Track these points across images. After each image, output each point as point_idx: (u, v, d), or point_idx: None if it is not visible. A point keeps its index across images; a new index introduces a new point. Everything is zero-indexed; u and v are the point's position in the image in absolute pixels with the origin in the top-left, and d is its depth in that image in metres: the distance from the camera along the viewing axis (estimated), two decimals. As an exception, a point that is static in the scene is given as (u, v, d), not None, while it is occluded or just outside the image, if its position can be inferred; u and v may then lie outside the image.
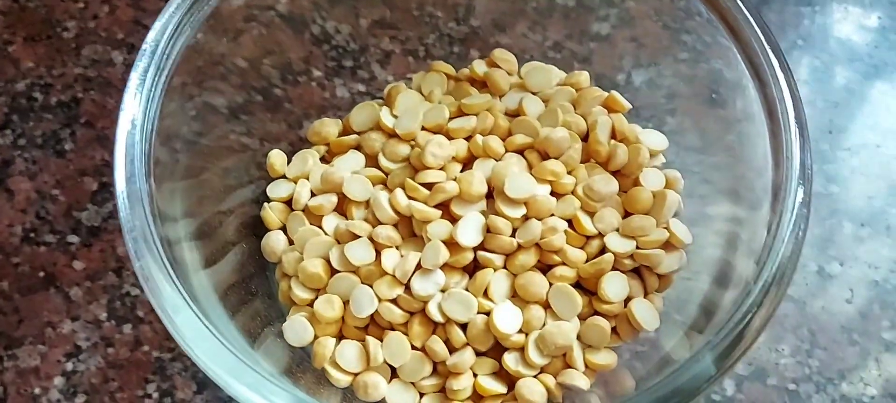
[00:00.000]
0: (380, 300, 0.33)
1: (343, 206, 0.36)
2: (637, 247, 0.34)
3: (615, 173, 0.36)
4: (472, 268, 0.34)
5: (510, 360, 0.33)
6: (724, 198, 0.37)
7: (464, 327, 0.33)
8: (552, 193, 0.35)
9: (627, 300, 0.34)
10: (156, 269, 0.29)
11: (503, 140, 0.36)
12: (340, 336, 0.34)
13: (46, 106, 0.42)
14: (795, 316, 0.40)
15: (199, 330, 0.29)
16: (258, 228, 0.37)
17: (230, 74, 0.38)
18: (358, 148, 0.38)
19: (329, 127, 0.38)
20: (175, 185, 0.33)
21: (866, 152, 0.44)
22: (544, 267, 0.34)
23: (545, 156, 0.36)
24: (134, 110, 0.32)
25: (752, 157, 0.34)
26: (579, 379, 0.33)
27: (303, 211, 0.36)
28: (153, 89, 0.32)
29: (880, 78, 0.46)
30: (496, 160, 0.36)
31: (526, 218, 0.34)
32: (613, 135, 0.36)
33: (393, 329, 0.34)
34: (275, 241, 0.36)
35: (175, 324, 0.29)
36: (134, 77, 0.32)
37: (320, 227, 0.36)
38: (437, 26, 0.42)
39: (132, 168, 0.31)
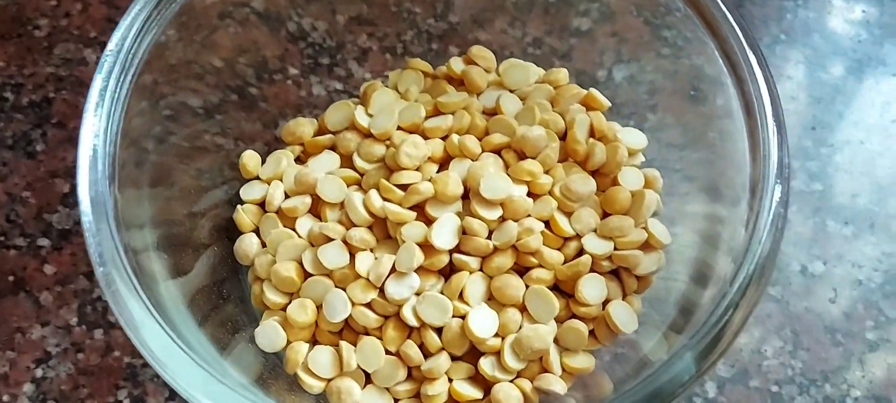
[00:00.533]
0: (353, 304, 0.33)
1: (317, 208, 0.35)
2: (615, 249, 0.34)
3: (593, 172, 0.35)
4: (448, 271, 0.34)
5: (486, 365, 0.32)
6: (704, 196, 0.36)
7: (439, 331, 0.33)
8: (529, 194, 0.34)
9: (605, 302, 0.34)
10: (120, 281, 0.29)
11: (480, 139, 0.36)
12: (314, 342, 0.34)
13: (17, 106, 0.42)
14: (778, 317, 0.39)
15: (164, 343, 0.28)
16: (231, 231, 0.36)
17: (204, 73, 0.37)
18: (333, 148, 0.37)
19: (304, 127, 0.38)
20: (143, 190, 0.33)
21: (850, 149, 0.43)
22: (521, 270, 0.34)
23: (522, 156, 0.35)
24: (98, 113, 0.31)
25: (732, 154, 0.34)
26: (556, 384, 0.32)
27: (276, 213, 0.36)
28: (118, 90, 0.32)
29: (864, 73, 0.45)
30: (472, 160, 0.35)
31: (502, 219, 0.34)
32: (592, 134, 0.36)
33: (367, 333, 0.33)
34: (247, 244, 0.35)
35: (140, 337, 0.28)
36: (98, 79, 0.31)
37: (294, 229, 0.35)
38: (415, 22, 0.42)
39: (95, 173, 0.30)
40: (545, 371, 0.33)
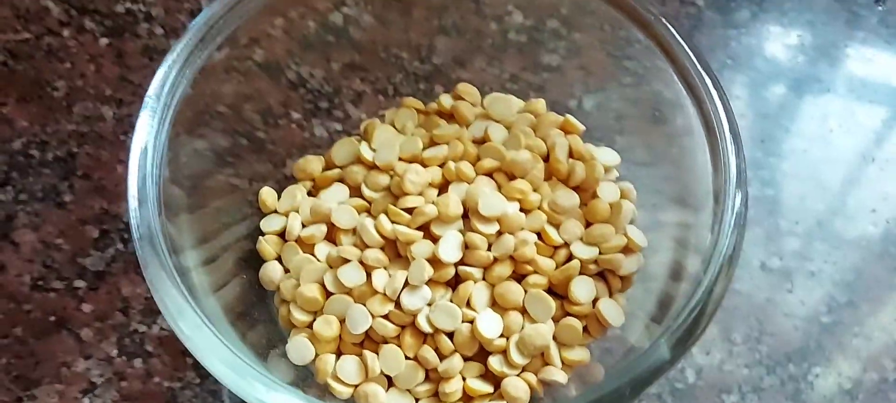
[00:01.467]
0: (373, 316, 0.36)
1: (332, 235, 0.39)
2: (600, 253, 0.38)
3: (575, 188, 0.39)
4: (454, 282, 0.38)
5: (495, 362, 0.36)
6: (672, 205, 0.40)
7: (451, 335, 0.36)
8: (521, 209, 0.39)
9: (595, 301, 0.38)
10: (175, 293, 0.32)
11: (473, 164, 0.40)
12: (339, 353, 0.37)
13: (44, 161, 0.45)
14: (744, 308, 0.44)
15: (215, 347, 0.32)
16: (254, 261, 0.40)
17: (215, 121, 0.41)
18: (341, 181, 0.41)
19: (313, 163, 0.42)
20: (181, 224, 0.36)
21: (795, 157, 0.48)
22: (519, 277, 0.38)
23: (512, 177, 0.39)
24: (145, 149, 0.35)
25: (693, 167, 0.38)
26: (558, 375, 0.36)
27: (296, 241, 0.39)
28: (158, 136, 0.36)
29: (803, 90, 0.50)
30: (468, 183, 0.39)
31: (499, 233, 0.38)
32: (571, 155, 0.40)
33: (387, 342, 0.37)
34: (272, 271, 0.39)
35: (194, 345, 0.32)
36: (143, 120, 0.35)
37: (313, 255, 0.39)
38: (402, 66, 0.45)
39: (147, 203, 0.34)
40: (547, 364, 0.37)
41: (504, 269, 0.37)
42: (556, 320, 0.37)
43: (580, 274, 0.38)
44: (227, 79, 0.41)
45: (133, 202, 0.33)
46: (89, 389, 0.40)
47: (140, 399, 0.40)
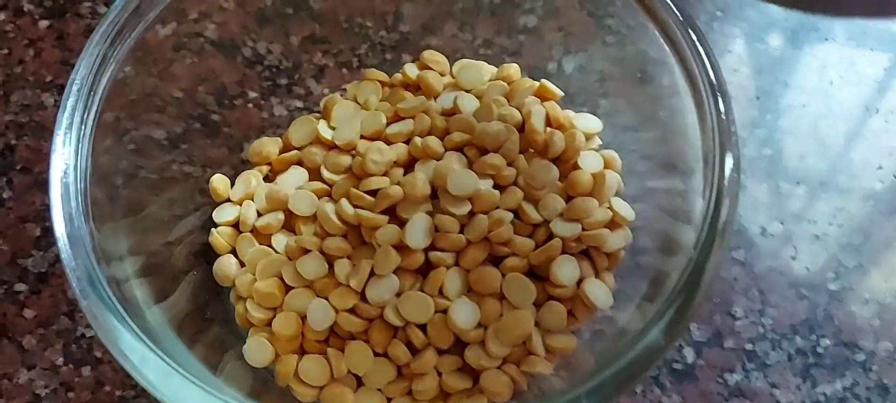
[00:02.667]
0: (337, 311, 0.34)
1: (290, 223, 0.36)
2: (583, 229, 0.35)
3: (554, 160, 0.36)
4: (425, 269, 0.35)
5: (472, 355, 0.33)
6: (661, 171, 0.37)
7: (423, 328, 0.34)
8: (495, 186, 0.35)
9: (579, 282, 0.35)
10: (106, 311, 0.29)
11: (441, 139, 0.37)
12: (302, 352, 0.34)
13: (-20, 157, 0.42)
14: (744, 279, 0.41)
15: (158, 367, 0.29)
16: (208, 255, 0.37)
17: (165, 104, 0.38)
18: (300, 163, 0.38)
19: (269, 146, 0.39)
20: (118, 223, 0.33)
21: (794, 113, 0.45)
22: (495, 259, 0.35)
23: (484, 151, 0.36)
24: (66, 151, 0.32)
25: (683, 129, 0.35)
26: (541, 365, 0.33)
27: (251, 232, 0.36)
28: (83, 128, 0.32)
29: (798, 40, 0.47)
30: (437, 160, 0.36)
31: (472, 213, 0.35)
32: (549, 123, 0.37)
33: (353, 338, 0.34)
34: (226, 265, 0.36)
35: (132, 363, 0.29)
36: (63, 118, 0.32)
37: (270, 246, 0.36)
38: (367, 36, 0.43)
39: (70, 209, 0.31)
40: (530, 354, 0.34)
41: (478, 253, 0.34)
42: (537, 305, 0.35)
43: (562, 253, 0.35)
44: (177, 57, 0.38)
45: (57, 214, 0.30)
46: (34, 402, 0.37)
47: (90, 410, 0.37)
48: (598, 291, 0.34)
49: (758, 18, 0.47)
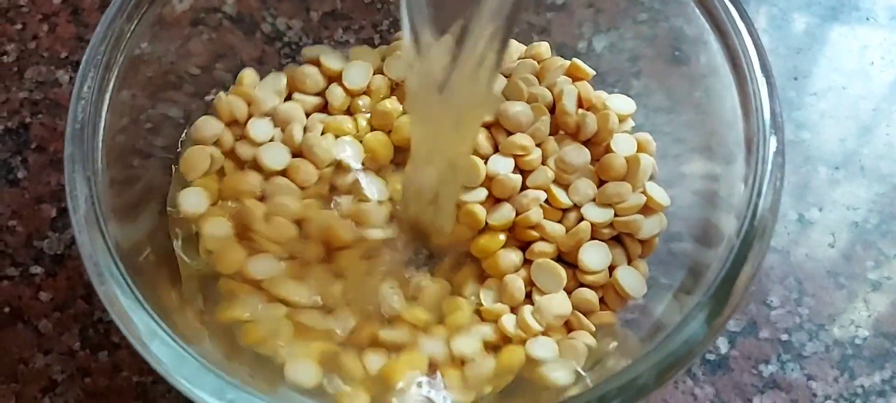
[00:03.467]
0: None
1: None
2: (615, 215, 0.34)
3: (586, 143, 0.35)
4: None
5: (508, 323, 0.32)
6: (697, 156, 0.36)
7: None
8: (520, 170, 0.34)
9: (611, 269, 0.34)
10: (122, 295, 0.28)
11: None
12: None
13: (-6, 135, 0.41)
14: (781, 267, 0.39)
15: (172, 350, 0.28)
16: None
17: (182, 82, 0.37)
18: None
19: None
20: (133, 204, 0.33)
21: (833, 95, 0.43)
22: (522, 244, 0.34)
23: (510, 132, 0.35)
24: (80, 131, 0.30)
25: (721, 111, 0.34)
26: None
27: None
28: (99, 104, 0.31)
29: (839, 20, 0.46)
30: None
31: (497, 200, 0.33)
32: (580, 104, 0.36)
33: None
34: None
35: (148, 349, 0.28)
36: (76, 94, 0.31)
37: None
38: (389, 11, 0.41)
39: (86, 190, 0.30)
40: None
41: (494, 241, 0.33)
42: (567, 292, 0.33)
43: (593, 238, 0.33)
44: (195, 33, 0.37)
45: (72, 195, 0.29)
46: (50, 387, 0.36)
47: (107, 395, 0.36)
48: (631, 279, 0.33)
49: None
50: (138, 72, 0.34)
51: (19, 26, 0.43)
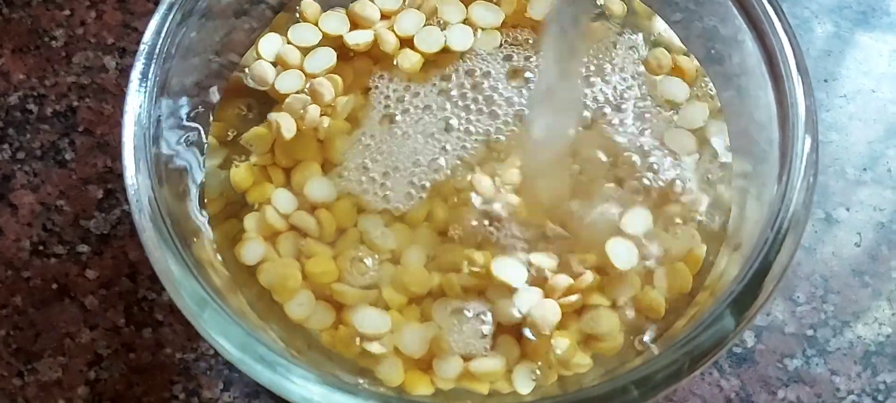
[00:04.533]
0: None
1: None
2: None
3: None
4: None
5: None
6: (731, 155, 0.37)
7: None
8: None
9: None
10: (176, 266, 0.29)
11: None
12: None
13: (42, 117, 0.42)
14: (807, 264, 0.40)
15: (223, 324, 0.29)
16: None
17: (224, 71, 0.38)
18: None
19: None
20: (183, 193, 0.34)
21: (862, 98, 0.44)
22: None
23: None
24: (137, 120, 0.32)
25: (753, 111, 0.35)
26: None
27: None
28: (154, 90, 0.32)
29: (868, 24, 0.46)
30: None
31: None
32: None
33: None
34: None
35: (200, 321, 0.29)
36: (134, 79, 0.32)
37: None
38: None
39: (141, 173, 0.31)
40: None
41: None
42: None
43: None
44: (237, 23, 0.37)
45: (130, 171, 0.31)
46: (95, 361, 0.37)
47: (150, 371, 0.37)
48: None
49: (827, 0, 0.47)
50: (187, 60, 0.34)
51: (67, 12, 0.44)
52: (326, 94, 0.36)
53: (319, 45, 0.37)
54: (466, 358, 0.32)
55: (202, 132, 0.36)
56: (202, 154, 0.35)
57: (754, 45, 0.34)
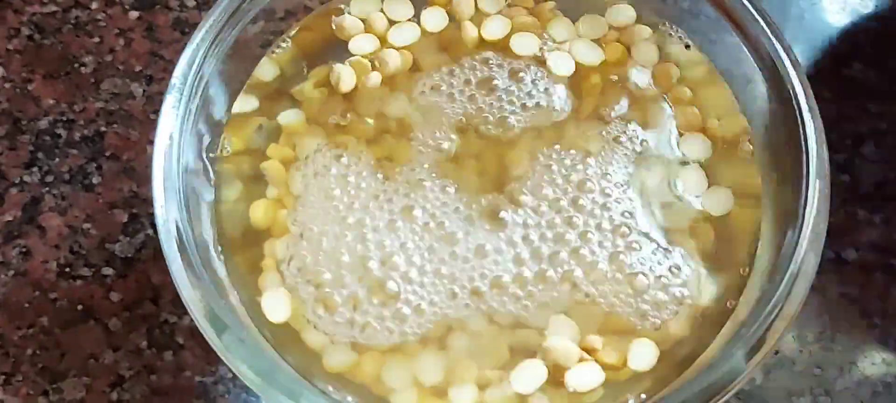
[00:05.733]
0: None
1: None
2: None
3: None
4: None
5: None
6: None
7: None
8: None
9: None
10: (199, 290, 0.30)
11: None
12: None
13: (70, 141, 0.43)
14: (816, 304, 0.41)
15: (245, 351, 0.30)
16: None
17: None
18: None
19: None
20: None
21: (874, 139, 0.45)
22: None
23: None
24: (170, 137, 0.33)
25: (765, 152, 0.35)
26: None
27: None
28: (186, 119, 0.33)
29: (886, 65, 0.47)
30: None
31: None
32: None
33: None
34: None
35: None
36: (167, 105, 0.33)
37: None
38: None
39: (172, 200, 0.32)
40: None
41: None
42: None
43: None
44: (261, 53, 0.38)
45: (158, 198, 0.31)
46: (118, 382, 0.38)
47: (170, 393, 0.38)
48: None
49: (840, 43, 0.47)
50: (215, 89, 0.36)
51: (97, 40, 0.45)
52: (392, 64, 0.37)
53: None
54: (482, 386, 0.32)
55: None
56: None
57: (766, 86, 0.35)
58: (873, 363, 0.40)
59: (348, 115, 0.36)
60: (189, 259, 0.31)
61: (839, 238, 0.42)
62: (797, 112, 0.34)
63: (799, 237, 0.32)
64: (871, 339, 0.40)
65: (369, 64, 0.37)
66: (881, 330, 0.41)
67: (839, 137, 0.45)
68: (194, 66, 0.34)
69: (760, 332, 0.31)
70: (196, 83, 0.34)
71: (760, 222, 0.35)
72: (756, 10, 0.35)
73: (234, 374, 0.37)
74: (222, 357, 0.29)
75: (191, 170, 0.34)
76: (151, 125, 0.43)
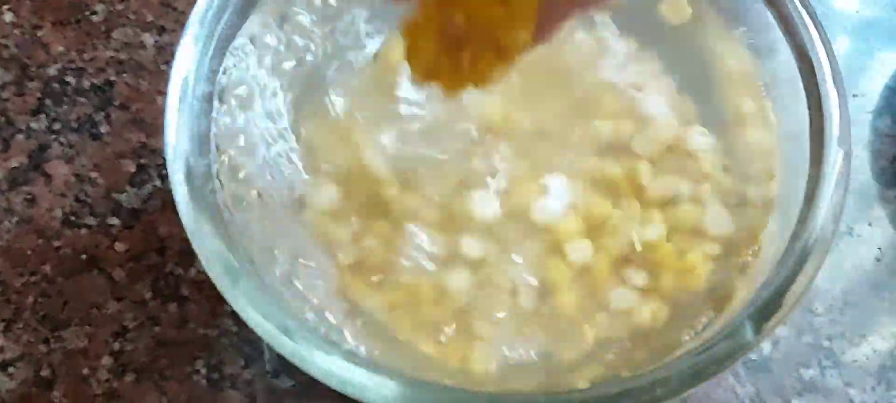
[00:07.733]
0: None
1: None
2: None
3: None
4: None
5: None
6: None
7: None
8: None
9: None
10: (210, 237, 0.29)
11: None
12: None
13: (79, 89, 0.43)
14: (827, 275, 0.41)
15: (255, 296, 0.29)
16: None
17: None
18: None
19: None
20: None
21: (891, 114, 0.44)
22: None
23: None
24: (187, 79, 0.32)
25: (786, 122, 0.35)
26: None
27: None
28: (202, 63, 0.33)
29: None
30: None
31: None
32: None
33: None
34: None
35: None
36: (188, 41, 0.32)
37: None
38: None
39: (188, 143, 0.31)
40: None
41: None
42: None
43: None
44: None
45: (170, 139, 0.31)
46: (120, 332, 0.38)
47: (174, 345, 0.38)
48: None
49: (858, 20, 0.47)
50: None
51: (108, -13, 0.45)
52: None
53: None
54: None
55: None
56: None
57: (791, 56, 0.34)
58: (882, 337, 0.40)
59: None
60: (197, 191, 0.30)
61: (852, 211, 0.42)
62: (819, 82, 0.33)
63: (813, 209, 0.31)
64: (882, 313, 0.40)
65: None
66: (891, 304, 0.40)
67: (855, 112, 0.44)
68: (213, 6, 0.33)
69: (772, 304, 0.30)
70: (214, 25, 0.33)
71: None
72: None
73: (238, 327, 0.37)
74: (228, 301, 0.29)
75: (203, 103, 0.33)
76: (162, 76, 0.43)
